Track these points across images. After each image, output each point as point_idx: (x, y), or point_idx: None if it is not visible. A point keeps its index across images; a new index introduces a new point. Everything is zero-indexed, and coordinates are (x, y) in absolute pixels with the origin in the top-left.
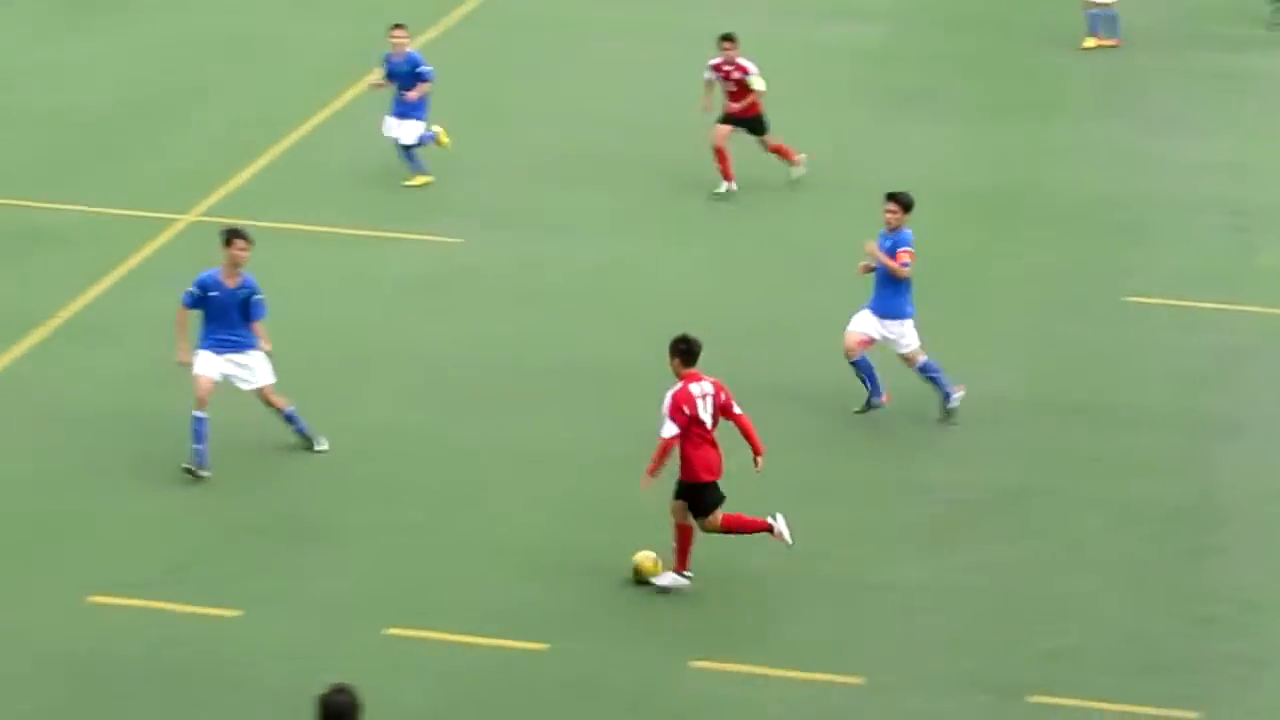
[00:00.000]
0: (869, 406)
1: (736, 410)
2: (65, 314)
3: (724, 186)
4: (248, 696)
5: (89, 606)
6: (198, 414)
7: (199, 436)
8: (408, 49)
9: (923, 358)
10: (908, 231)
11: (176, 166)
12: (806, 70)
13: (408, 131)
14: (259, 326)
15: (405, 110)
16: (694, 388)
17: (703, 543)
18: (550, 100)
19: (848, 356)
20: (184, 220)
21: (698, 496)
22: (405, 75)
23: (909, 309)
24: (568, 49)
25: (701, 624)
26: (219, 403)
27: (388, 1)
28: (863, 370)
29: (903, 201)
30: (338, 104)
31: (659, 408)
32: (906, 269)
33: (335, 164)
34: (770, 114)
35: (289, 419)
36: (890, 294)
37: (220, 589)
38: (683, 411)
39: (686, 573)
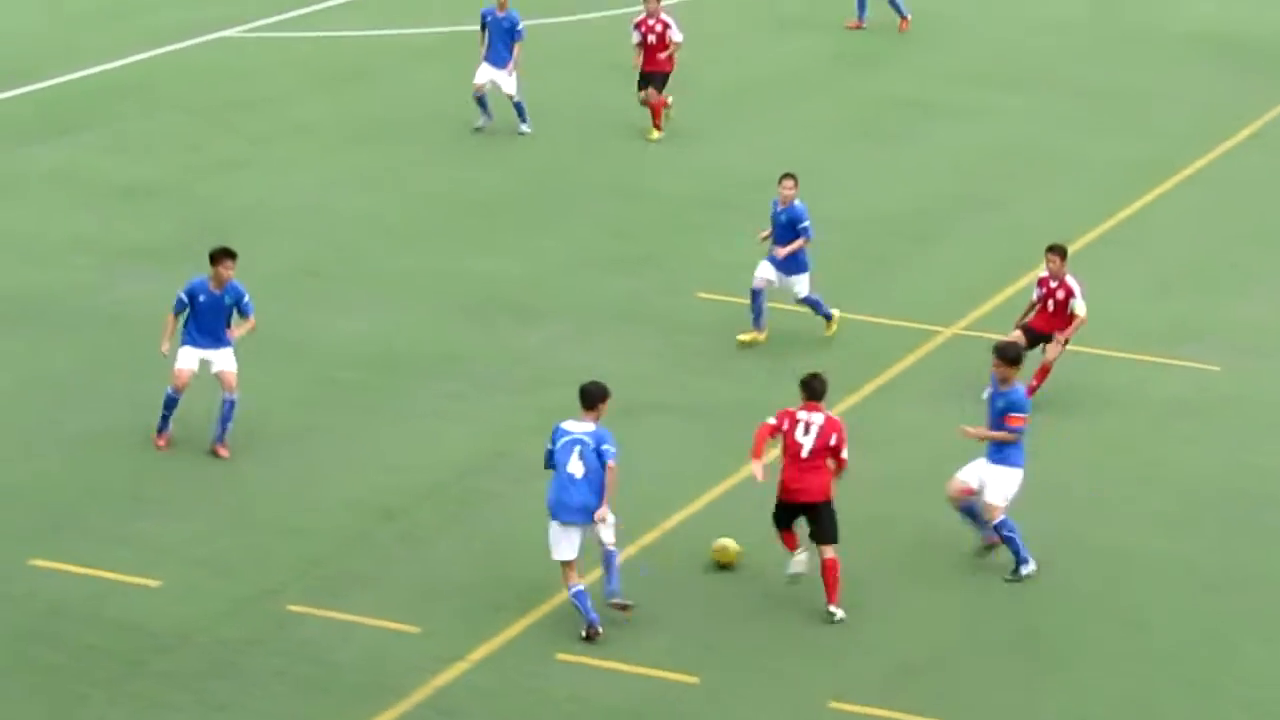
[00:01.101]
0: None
1: None
2: None
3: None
4: None
5: None
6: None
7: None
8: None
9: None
10: (1019, 390)
11: (947, 277)
12: None
13: None
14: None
15: None
16: None
17: None
18: None
19: (951, 503)
20: (947, 333)
21: None
22: None
23: (1019, 459)
24: None
25: None
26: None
27: (1175, 122)
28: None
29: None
30: (1110, 222)
31: None
32: (1017, 434)
33: (1109, 284)
34: None
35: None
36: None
37: (955, 699)
38: None
39: None
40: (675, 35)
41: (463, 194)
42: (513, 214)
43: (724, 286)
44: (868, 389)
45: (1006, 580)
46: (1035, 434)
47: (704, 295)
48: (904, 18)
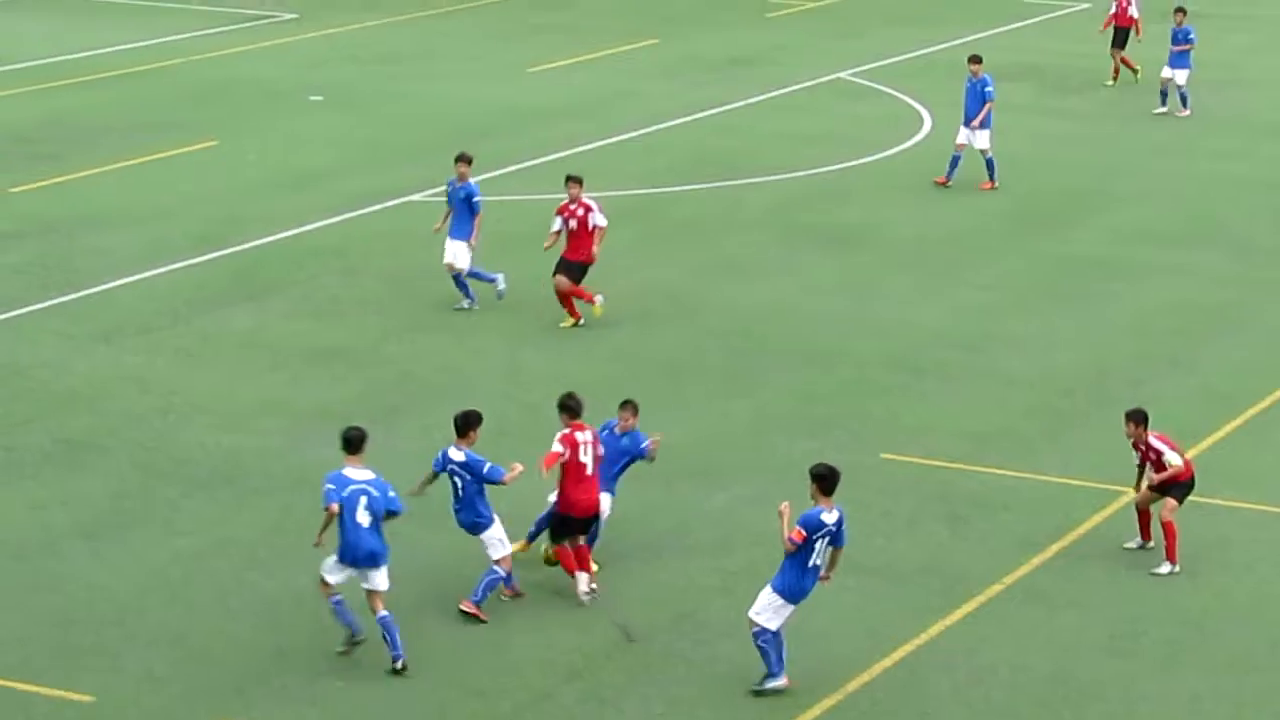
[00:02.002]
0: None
1: None
2: (1010, 579)
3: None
4: None
5: None
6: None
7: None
8: None
9: None
10: None
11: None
12: None
13: None
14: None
15: None
16: None
17: None
18: None
19: None
20: (1132, 492)
21: None
22: None
23: None
24: None
25: None
26: None
27: None
28: None
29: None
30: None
31: None
32: None
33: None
34: None
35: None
36: None
37: None
38: None
39: None
40: (599, 219)
41: (649, 355)
42: (699, 376)
43: (909, 448)
44: (1051, 549)
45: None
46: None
47: (888, 456)
48: (990, 180)
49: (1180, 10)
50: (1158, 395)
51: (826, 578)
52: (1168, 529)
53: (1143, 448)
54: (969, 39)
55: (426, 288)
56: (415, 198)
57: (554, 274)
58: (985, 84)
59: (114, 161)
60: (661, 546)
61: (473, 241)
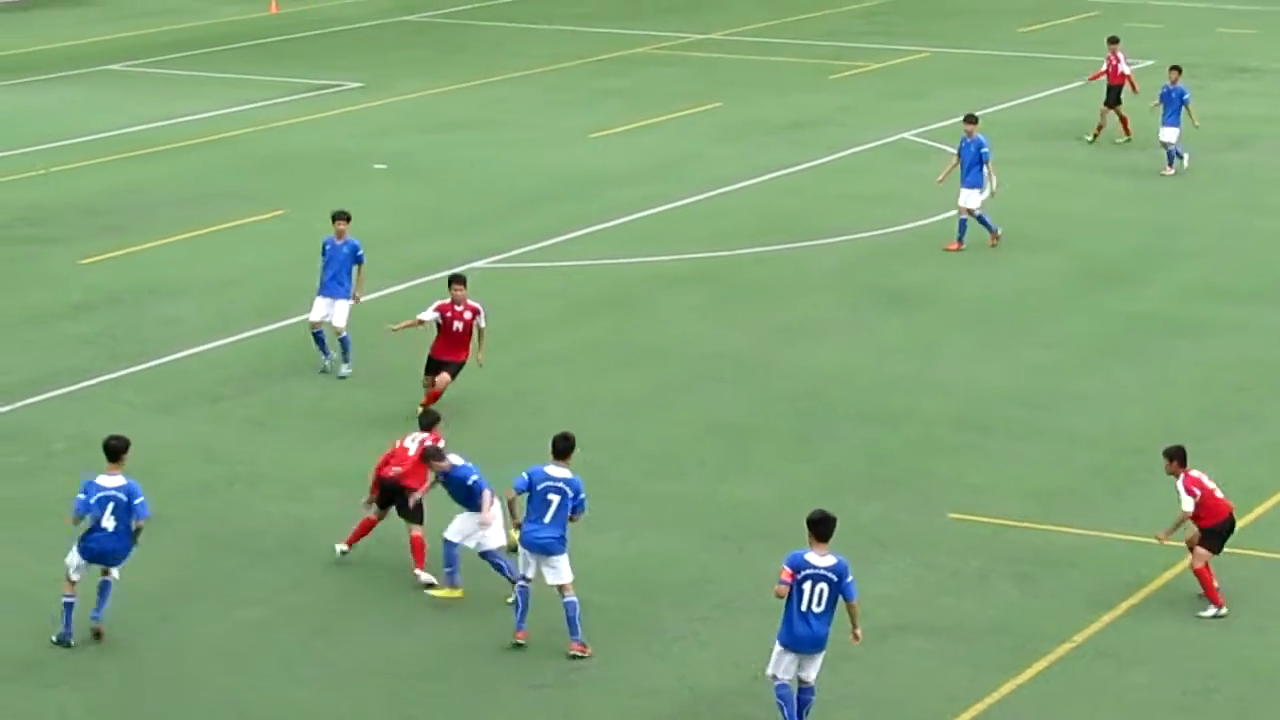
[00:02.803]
0: None
1: None
2: (1079, 637)
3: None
4: None
5: None
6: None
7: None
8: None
9: None
10: None
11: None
12: None
13: None
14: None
15: None
16: None
17: None
18: None
19: None
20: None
21: None
22: None
23: None
24: None
25: None
26: None
27: None
28: None
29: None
30: None
31: None
32: None
33: None
34: None
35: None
36: None
37: None
38: None
39: None
40: (483, 323)
41: (718, 419)
42: (768, 438)
43: (977, 507)
44: (1121, 607)
45: None
46: None
47: (956, 516)
48: (993, 232)
49: (1175, 69)
50: (1223, 452)
51: (856, 636)
52: (1199, 576)
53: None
54: (1029, 98)
55: (492, 354)
56: (479, 264)
57: (430, 372)
58: (981, 144)
59: (181, 232)
60: (734, 608)
61: (358, 296)
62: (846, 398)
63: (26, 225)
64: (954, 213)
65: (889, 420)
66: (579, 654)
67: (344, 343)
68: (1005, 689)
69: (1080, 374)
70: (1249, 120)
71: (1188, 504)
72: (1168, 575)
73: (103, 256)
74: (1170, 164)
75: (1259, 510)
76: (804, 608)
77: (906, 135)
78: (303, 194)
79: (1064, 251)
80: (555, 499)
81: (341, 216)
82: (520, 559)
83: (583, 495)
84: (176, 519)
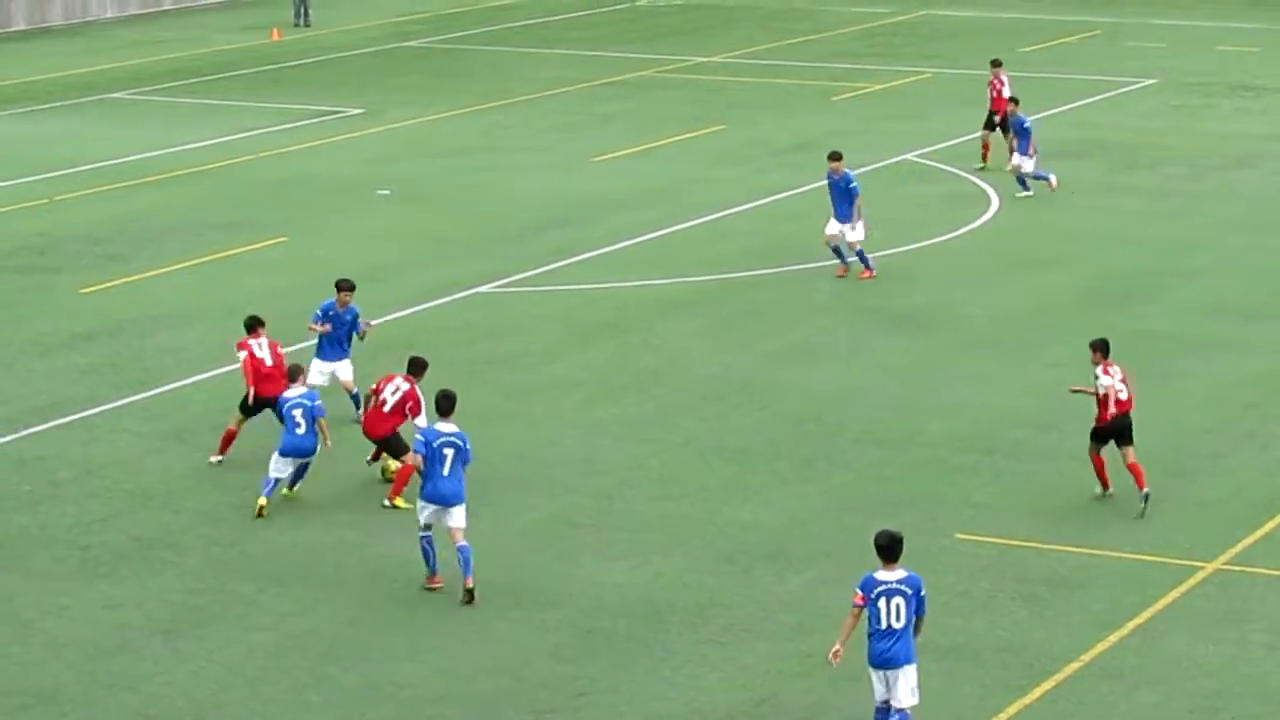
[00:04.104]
0: None
1: None
2: (1087, 657)
3: None
4: None
5: None
6: None
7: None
8: None
9: None
10: None
11: (1207, 512)
12: None
13: None
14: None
15: None
16: None
17: None
18: None
19: None
20: (1209, 567)
21: None
22: None
23: None
24: None
25: None
26: None
27: None
28: None
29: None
30: None
31: None
32: None
33: None
34: None
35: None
36: None
37: None
38: None
39: None
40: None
41: (722, 441)
42: (772, 461)
43: (984, 527)
44: (1129, 626)
45: None
46: None
47: (963, 536)
48: (867, 268)
49: (1014, 100)
50: (1234, 469)
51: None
52: (1094, 461)
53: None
54: (1034, 117)
55: (496, 378)
56: (483, 289)
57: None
58: (849, 180)
59: (184, 260)
60: (740, 630)
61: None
62: (851, 419)
63: (30, 254)
64: (950, 236)
65: (894, 442)
66: (470, 588)
67: (356, 399)
68: (1013, 709)
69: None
70: (1254, 138)
71: (1105, 382)
72: (1174, 595)
73: (106, 285)
74: (1024, 188)
75: (1268, 526)
76: (884, 625)
77: (909, 156)
78: (305, 221)
79: (1070, 270)
80: (450, 452)
81: (346, 287)
82: (419, 509)
83: (468, 446)
84: (186, 546)
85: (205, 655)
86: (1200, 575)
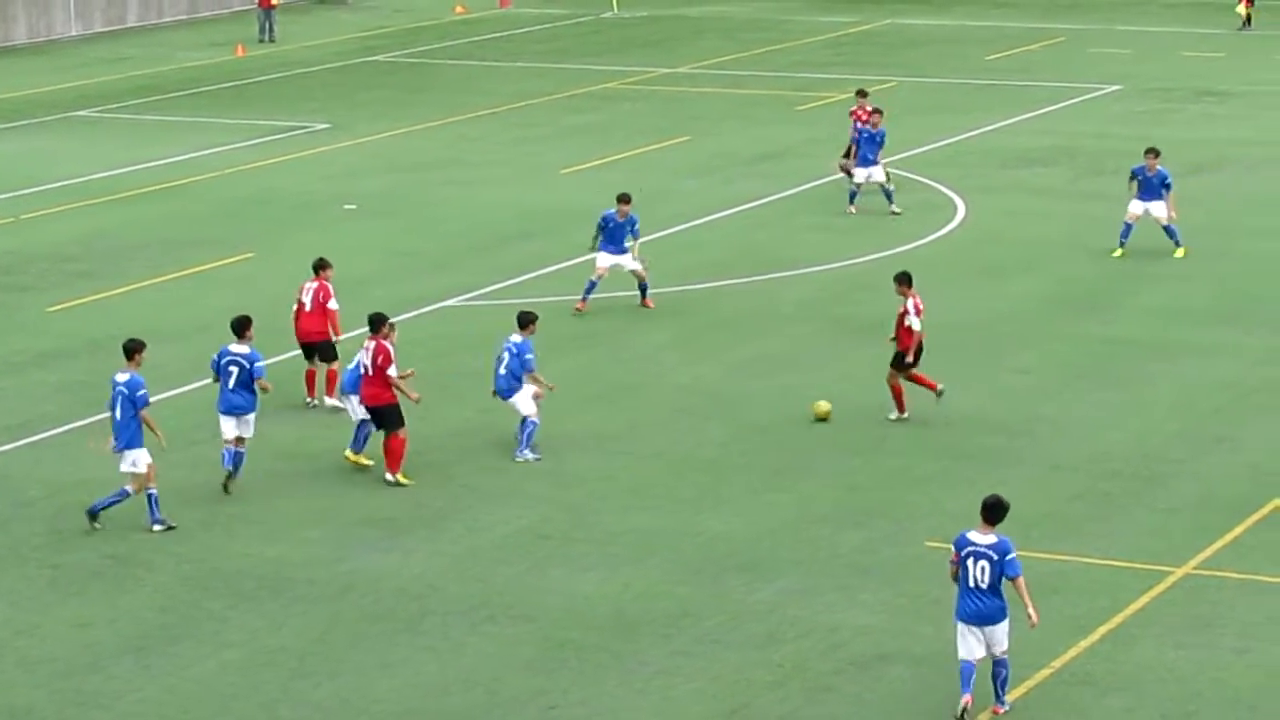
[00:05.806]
0: None
1: None
2: (1058, 663)
3: None
4: None
5: None
6: None
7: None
8: None
9: None
10: None
11: (1176, 517)
12: None
13: None
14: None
15: None
16: None
17: None
18: None
19: None
20: (1179, 572)
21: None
22: None
23: None
24: None
25: None
26: None
27: None
28: None
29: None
30: None
31: None
32: None
33: None
34: None
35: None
36: None
37: None
38: None
39: None
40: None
41: (691, 451)
42: (742, 471)
43: (955, 534)
44: (1099, 632)
45: None
46: None
47: (934, 544)
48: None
49: (877, 111)
50: (1203, 474)
51: (1030, 617)
52: (891, 388)
53: (901, 310)
54: (1000, 124)
55: (465, 392)
56: (451, 303)
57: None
58: (634, 222)
59: (151, 277)
60: (711, 641)
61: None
62: (821, 429)
63: None
64: (917, 244)
65: (864, 450)
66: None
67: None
68: (984, 716)
69: (1056, 399)
70: (1218, 143)
71: (915, 323)
72: (1144, 600)
73: (74, 303)
74: (852, 203)
75: (1237, 530)
76: (971, 584)
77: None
78: (272, 237)
79: (1037, 277)
80: (235, 370)
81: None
82: (222, 424)
83: (260, 364)
84: (156, 563)
85: (177, 672)
86: (1170, 580)
